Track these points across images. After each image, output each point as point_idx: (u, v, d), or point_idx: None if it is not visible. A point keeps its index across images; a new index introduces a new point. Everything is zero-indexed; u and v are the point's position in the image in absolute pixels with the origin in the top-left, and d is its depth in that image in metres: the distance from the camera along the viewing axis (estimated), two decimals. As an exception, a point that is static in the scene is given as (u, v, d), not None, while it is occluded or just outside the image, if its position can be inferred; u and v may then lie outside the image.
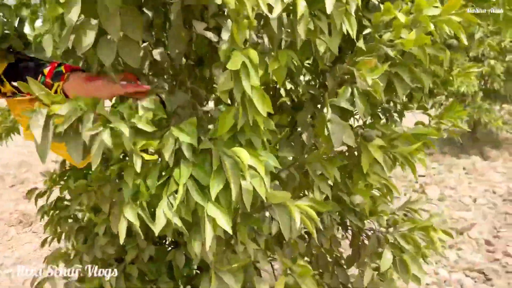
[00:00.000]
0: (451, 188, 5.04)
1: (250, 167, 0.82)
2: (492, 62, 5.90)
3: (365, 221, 1.67)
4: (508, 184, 5.15)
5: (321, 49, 1.09)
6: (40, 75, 0.98)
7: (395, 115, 2.21)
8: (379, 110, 2.21)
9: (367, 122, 1.67)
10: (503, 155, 6.44)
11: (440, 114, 2.06)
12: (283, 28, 1.04)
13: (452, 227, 4.04)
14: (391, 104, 2.24)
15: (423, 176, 5.58)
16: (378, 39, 1.12)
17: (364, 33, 1.17)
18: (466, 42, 1.08)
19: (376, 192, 1.79)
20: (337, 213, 1.51)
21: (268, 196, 0.96)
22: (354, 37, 1.06)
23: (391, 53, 1.07)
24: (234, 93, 0.79)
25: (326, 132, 1.04)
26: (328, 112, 1.03)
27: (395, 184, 5.33)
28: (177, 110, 0.93)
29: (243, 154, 0.80)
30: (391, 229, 1.55)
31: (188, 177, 0.81)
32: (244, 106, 0.81)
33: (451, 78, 1.89)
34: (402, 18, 1.11)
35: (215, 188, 0.80)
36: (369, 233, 1.60)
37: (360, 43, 1.07)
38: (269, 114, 0.91)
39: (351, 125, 1.56)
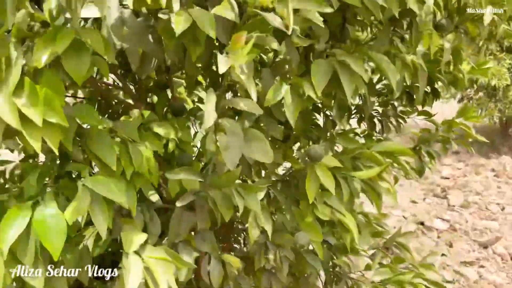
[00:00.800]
0: (476, 193, 4.55)
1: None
2: (528, 52, 5.29)
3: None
4: (543, 189, 4.62)
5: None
6: None
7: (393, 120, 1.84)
8: (375, 113, 1.85)
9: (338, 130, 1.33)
10: (539, 155, 5.83)
11: (448, 121, 1.68)
12: None
13: (474, 240, 3.60)
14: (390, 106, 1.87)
15: (447, 178, 5.10)
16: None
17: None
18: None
19: (361, 217, 1.45)
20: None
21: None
22: None
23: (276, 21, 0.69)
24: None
25: (209, 146, 0.71)
26: (207, 116, 0.70)
27: (416, 186, 4.86)
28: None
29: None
30: (370, 273, 1.21)
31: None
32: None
33: (461, 75, 1.50)
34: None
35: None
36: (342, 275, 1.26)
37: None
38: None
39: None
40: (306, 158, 0.92)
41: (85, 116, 0.80)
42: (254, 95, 0.65)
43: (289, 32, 0.66)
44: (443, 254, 3.42)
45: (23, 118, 0.62)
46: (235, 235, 1.68)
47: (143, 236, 0.79)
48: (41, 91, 0.64)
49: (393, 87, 0.99)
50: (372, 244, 1.27)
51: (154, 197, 0.90)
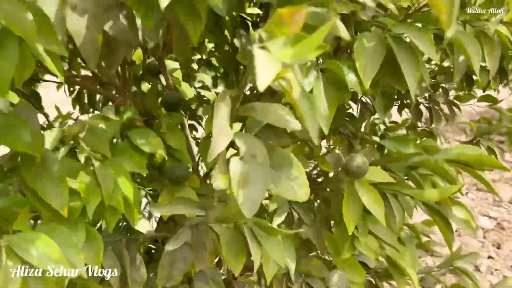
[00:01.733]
0: (527, 186, 4.13)
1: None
2: None
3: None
4: None
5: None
6: None
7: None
8: (422, 100, 1.56)
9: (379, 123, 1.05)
10: None
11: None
12: None
13: (526, 241, 3.23)
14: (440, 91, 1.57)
15: (491, 170, 4.67)
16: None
17: None
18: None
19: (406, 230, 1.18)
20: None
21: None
22: None
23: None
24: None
25: (217, 181, 0.43)
26: (217, 137, 0.42)
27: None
28: None
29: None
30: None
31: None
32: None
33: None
34: None
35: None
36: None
37: None
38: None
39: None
40: (341, 169, 0.66)
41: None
42: (313, 128, 0.35)
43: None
44: (489, 257, 3.09)
45: None
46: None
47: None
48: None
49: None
50: (422, 269, 1.00)
51: (143, 226, 0.66)
